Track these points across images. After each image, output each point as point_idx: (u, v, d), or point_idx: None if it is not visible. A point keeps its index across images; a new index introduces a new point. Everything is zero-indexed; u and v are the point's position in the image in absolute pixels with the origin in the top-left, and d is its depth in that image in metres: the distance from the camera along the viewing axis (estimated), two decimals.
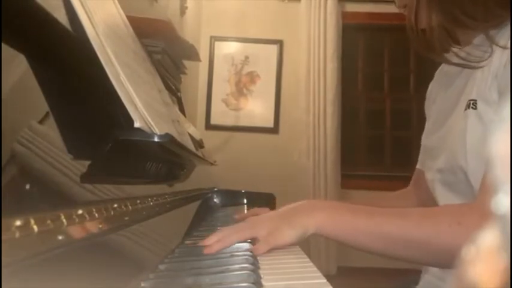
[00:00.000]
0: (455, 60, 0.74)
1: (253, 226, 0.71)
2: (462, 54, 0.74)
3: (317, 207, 0.69)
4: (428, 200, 0.88)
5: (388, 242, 0.64)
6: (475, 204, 0.63)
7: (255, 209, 1.05)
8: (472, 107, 0.69)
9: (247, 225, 0.73)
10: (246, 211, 1.22)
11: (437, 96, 0.88)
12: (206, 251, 0.65)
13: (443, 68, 0.88)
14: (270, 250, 0.67)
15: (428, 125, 0.90)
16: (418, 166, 0.98)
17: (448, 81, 0.82)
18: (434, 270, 0.80)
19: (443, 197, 0.77)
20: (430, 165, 0.83)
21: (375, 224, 0.65)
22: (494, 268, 0.15)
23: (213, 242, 0.66)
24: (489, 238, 0.15)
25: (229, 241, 0.67)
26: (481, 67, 0.70)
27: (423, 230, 0.63)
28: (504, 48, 0.66)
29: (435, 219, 0.64)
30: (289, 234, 0.67)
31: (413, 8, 0.73)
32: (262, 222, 0.72)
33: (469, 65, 0.72)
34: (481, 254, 0.15)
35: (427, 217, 0.65)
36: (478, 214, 0.58)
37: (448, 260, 0.61)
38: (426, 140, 0.89)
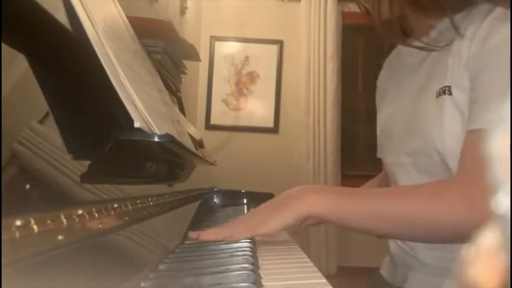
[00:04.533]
0: (418, 44, 0.78)
1: (243, 220, 0.73)
2: (425, 40, 0.78)
3: (307, 190, 0.71)
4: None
5: (374, 218, 0.68)
6: (456, 178, 0.67)
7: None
8: (447, 93, 0.72)
9: (240, 219, 0.75)
10: (246, 211, 1.22)
11: (390, 86, 0.92)
12: (196, 235, 0.71)
13: (398, 59, 0.92)
14: (252, 235, 0.71)
15: (386, 112, 0.91)
16: (378, 155, 0.98)
17: (408, 71, 0.85)
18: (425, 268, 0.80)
19: (416, 178, 0.79)
20: (394, 148, 0.85)
21: (361, 202, 0.69)
22: (494, 268, 0.15)
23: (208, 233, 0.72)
24: (489, 238, 0.15)
25: (218, 235, 0.71)
26: (440, 48, 0.75)
27: (408, 205, 0.66)
28: (470, 39, 0.70)
29: (419, 193, 0.68)
30: (277, 220, 0.69)
31: None
32: (253, 214, 0.74)
33: (432, 47, 0.76)
34: (481, 254, 0.15)
35: (411, 193, 0.69)
36: (458, 187, 0.63)
37: (434, 233, 0.66)
38: (389, 125, 0.89)
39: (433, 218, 0.64)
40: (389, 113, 0.89)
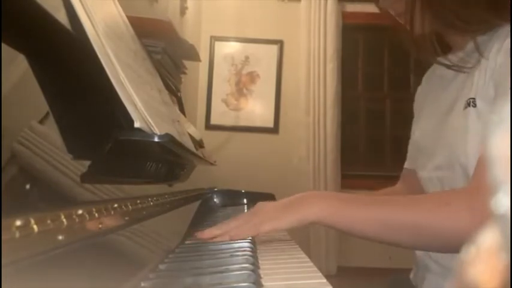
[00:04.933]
0: (448, 62, 0.79)
1: (247, 219, 0.73)
2: (454, 59, 0.78)
3: (313, 197, 0.72)
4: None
5: (381, 226, 0.67)
6: (465, 188, 0.67)
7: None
8: (472, 105, 0.72)
9: (243, 218, 0.75)
10: (246, 211, 1.22)
11: (427, 98, 0.92)
12: (202, 235, 0.72)
13: (435, 72, 0.92)
14: (256, 233, 0.71)
15: (420, 126, 0.92)
16: (406, 165, 0.99)
17: (444, 83, 0.85)
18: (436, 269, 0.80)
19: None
20: (425, 163, 0.85)
21: (369, 210, 0.69)
22: (494, 268, 0.15)
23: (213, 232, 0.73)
24: (489, 238, 0.15)
25: (224, 237, 0.71)
26: (470, 70, 0.75)
27: (413, 213, 0.66)
28: (495, 54, 0.71)
29: (424, 201, 0.68)
30: (280, 223, 0.70)
31: (409, 15, 0.77)
32: (256, 213, 0.74)
33: (460, 68, 0.77)
34: (481, 254, 0.15)
35: (417, 201, 0.69)
36: (466, 196, 0.62)
37: (439, 242, 0.65)
38: (421, 139, 0.90)
39: (438, 225, 0.63)
40: (423, 127, 0.90)
